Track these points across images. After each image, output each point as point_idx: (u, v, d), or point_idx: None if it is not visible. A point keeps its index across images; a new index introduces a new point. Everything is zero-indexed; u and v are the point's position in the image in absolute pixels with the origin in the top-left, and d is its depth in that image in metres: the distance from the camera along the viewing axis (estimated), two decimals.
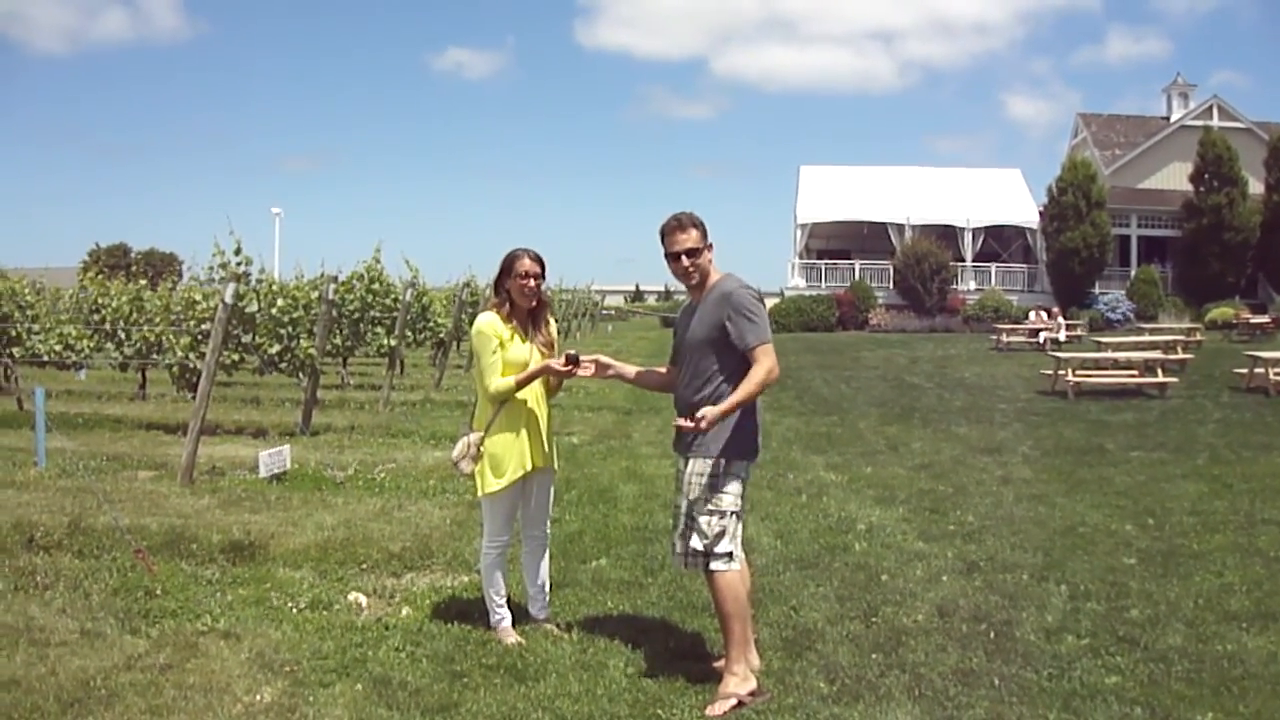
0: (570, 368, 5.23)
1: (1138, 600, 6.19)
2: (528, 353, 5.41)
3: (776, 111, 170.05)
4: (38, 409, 10.29)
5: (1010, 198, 45.47)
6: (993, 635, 5.58)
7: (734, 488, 4.82)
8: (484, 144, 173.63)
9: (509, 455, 5.37)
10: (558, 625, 5.66)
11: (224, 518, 7.96)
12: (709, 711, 4.60)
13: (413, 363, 24.04)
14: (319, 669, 4.99)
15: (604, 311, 55.18)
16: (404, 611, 5.93)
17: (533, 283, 5.36)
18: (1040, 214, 43.06)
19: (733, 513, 4.82)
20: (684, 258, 4.91)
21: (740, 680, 4.74)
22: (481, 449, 5.37)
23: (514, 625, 5.56)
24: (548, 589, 5.77)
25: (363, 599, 6.11)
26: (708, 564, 4.81)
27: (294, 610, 5.88)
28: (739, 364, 4.81)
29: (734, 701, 4.66)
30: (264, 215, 57.27)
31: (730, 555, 4.81)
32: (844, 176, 47.51)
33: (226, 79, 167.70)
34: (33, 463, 10.12)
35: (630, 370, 5.38)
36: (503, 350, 5.34)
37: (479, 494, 5.48)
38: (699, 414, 4.61)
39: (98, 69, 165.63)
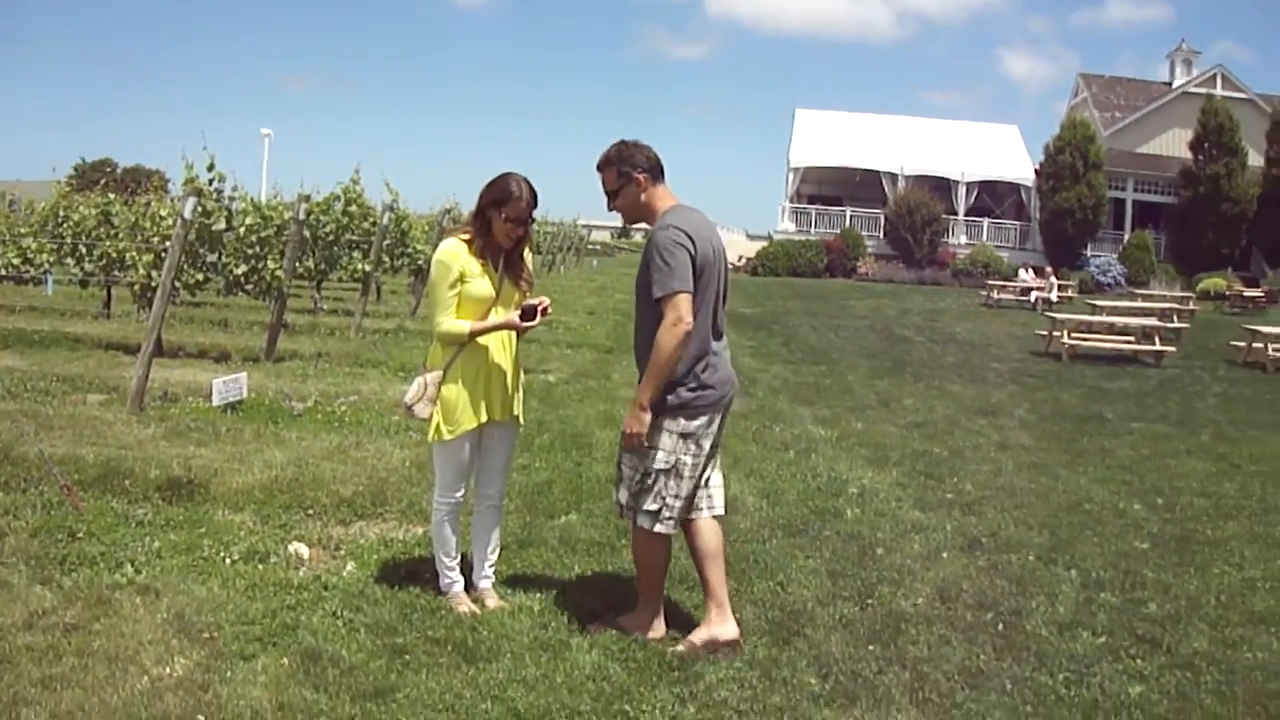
0: (531, 322, 4.65)
1: (1155, 593, 5.65)
2: (494, 289, 4.69)
3: (770, 54, 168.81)
4: None
5: (1006, 154, 44.92)
6: (1000, 627, 5.02)
7: (665, 443, 4.34)
8: (476, 74, 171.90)
9: (465, 402, 4.69)
10: (500, 595, 5.00)
11: (167, 450, 7.31)
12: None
13: (390, 289, 23.31)
14: (242, 637, 4.37)
15: (590, 246, 54.40)
16: (348, 568, 5.31)
17: (521, 230, 4.67)
18: (1036, 172, 42.48)
19: (660, 471, 4.34)
20: (608, 201, 4.48)
21: (644, 620, 4.65)
22: (439, 391, 4.73)
23: (467, 590, 4.97)
24: (495, 557, 5.06)
25: (304, 550, 5.49)
26: (635, 518, 4.46)
27: (226, 562, 5.25)
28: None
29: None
30: (255, 135, 55.55)
31: (656, 514, 4.38)
32: (840, 122, 46.90)
33: None
34: None
35: None
36: (464, 284, 4.63)
37: (429, 440, 4.86)
38: (633, 431, 4.32)
39: None
